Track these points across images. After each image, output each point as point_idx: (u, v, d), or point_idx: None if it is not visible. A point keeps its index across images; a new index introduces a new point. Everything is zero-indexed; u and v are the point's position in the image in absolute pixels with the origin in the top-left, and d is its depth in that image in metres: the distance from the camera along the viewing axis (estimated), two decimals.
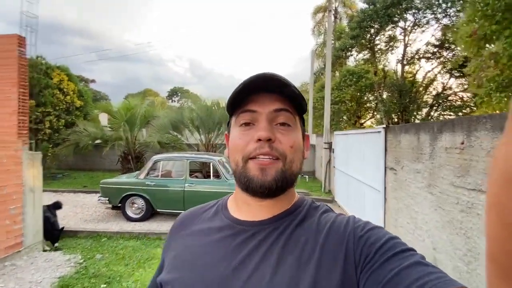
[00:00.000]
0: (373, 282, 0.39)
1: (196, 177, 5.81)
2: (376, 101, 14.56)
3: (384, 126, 3.91)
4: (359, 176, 5.19)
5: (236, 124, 0.52)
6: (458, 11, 10.25)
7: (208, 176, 5.49)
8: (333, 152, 7.51)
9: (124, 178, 5.48)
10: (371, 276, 0.40)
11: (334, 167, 7.58)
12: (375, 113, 15.87)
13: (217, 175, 5.20)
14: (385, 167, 4.10)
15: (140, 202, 5.20)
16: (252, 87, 0.49)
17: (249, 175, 0.48)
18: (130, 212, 5.21)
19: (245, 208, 0.53)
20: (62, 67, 9.56)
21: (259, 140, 0.47)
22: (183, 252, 0.54)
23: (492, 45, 3.12)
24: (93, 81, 42.35)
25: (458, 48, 12.44)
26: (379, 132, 4.16)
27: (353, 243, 0.44)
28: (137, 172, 5.67)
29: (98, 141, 9.40)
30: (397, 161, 3.72)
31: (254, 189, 0.48)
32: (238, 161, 0.50)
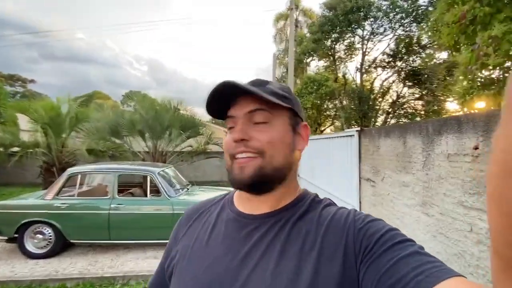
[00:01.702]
0: (372, 271, 0.40)
1: (132, 194, 4.60)
2: (335, 109, 14.64)
3: (358, 128, 3.27)
4: (328, 188, 4.53)
5: (227, 128, 0.57)
6: (412, 21, 10.64)
7: (152, 193, 4.31)
8: None
9: (26, 200, 4.04)
10: (370, 266, 0.41)
11: (298, 175, 6.93)
12: (334, 120, 16.06)
13: (157, 191, 4.09)
14: (360, 178, 3.47)
15: (47, 232, 3.82)
16: (232, 93, 0.52)
17: (232, 173, 0.52)
18: (31, 247, 3.79)
19: (247, 203, 0.56)
20: None
21: (235, 141, 0.51)
22: (193, 243, 0.56)
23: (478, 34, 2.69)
24: (32, 81, 37.23)
25: (411, 59, 13.10)
26: (351, 136, 3.52)
27: (353, 234, 0.45)
28: (45, 190, 4.26)
29: (15, 149, 7.51)
30: (376, 171, 3.09)
31: (235, 186, 0.53)
32: (227, 161, 0.54)
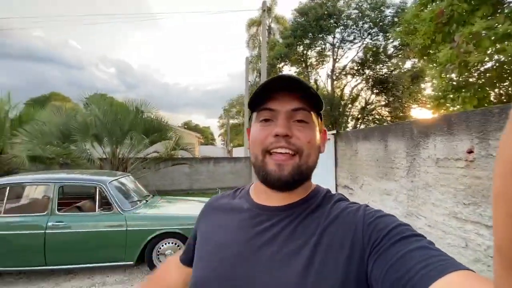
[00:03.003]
0: (380, 264, 0.40)
1: (79, 209, 3.95)
2: None
3: (334, 131, 3.04)
4: None
5: (257, 120, 0.57)
6: (379, 31, 11.05)
7: (102, 206, 3.69)
8: None
9: None
10: (378, 259, 0.41)
11: None
12: None
13: (107, 204, 3.51)
14: (336, 185, 3.23)
15: None
16: (272, 87, 0.53)
17: (267, 169, 0.52)
18: None
19: (263, 196, 0.58)
20: None
21: (277, 135, 0.51)
22: (212, 229, 0.61)
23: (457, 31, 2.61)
24: None
25: (378, 67, 13.64)
26: (327, 139, 3.28)
27: (362, 229, 0.46)
28: None
29: None
30: (354, 178, 2.87)
31: (271, 182, 0.52)
32: (258, 155, 0.54)
